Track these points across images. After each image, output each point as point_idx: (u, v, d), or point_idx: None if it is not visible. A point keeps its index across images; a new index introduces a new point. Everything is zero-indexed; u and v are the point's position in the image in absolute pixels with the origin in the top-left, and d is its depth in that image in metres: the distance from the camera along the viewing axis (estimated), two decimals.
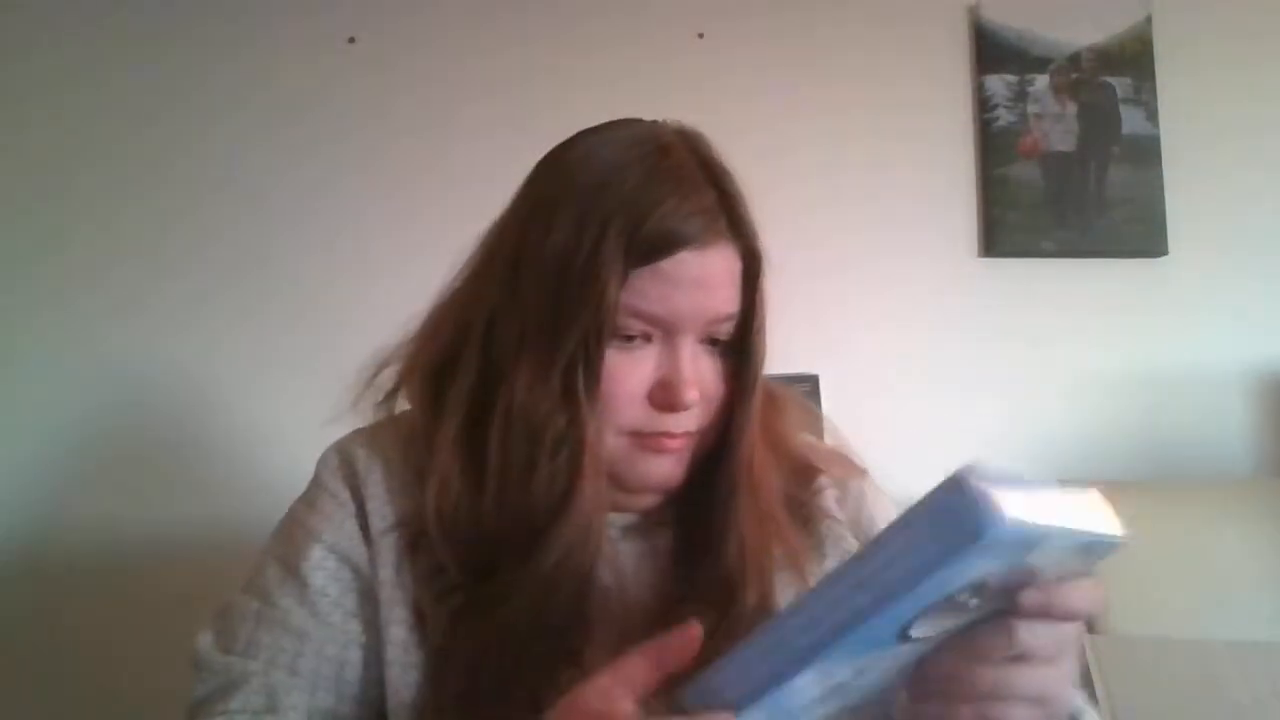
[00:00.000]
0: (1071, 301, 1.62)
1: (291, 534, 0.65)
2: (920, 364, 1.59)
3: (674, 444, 0.60)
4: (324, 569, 0.62)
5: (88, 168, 1.48)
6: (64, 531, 1.41)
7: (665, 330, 0.59)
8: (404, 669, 0.59)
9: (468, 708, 0.56)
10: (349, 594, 0.62)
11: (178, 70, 1.51)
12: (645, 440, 0.60)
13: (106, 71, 1.49)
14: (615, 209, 0.56)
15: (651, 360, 0.59)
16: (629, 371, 0.58)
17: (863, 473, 0.72)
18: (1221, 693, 1.09)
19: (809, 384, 1.35)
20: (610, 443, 0.59)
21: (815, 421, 0.76)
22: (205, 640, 0.62)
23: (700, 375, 0.60)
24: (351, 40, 1.54)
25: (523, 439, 0.58)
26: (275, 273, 1.50)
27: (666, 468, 0.61)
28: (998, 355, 1.60)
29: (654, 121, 0.64)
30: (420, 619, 0.60)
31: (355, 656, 0.61)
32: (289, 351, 1.46)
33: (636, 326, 0.58)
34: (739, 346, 0.62)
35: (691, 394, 0.58)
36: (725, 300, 0.59)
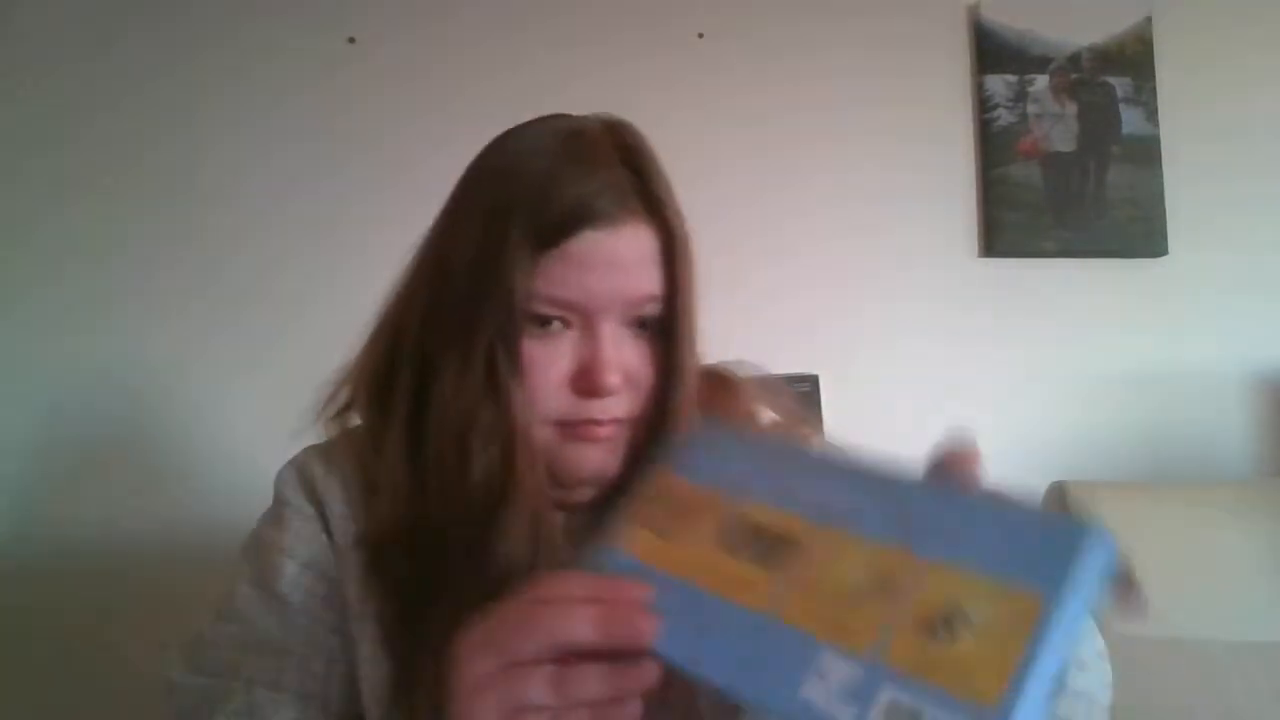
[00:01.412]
0: (1071, 301, 1.62)
1: (263, 554, 0.64)
2: (920, 364, 1.59)
3: (602, 431, 0.58)
4: (301, 586, 0.62)
5: (84, 167, 1.47)
6: (52, 529, 1.40)
7: (582, 315, 0.57)
8: (374, 684, 0.59)
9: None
10: (328, 610, 0.62)
11: (176, 69, 1.51)
12: (572, 429, 0.58)
13: (105, 70, 1.49)
14: (520, 194, 0.56)
15: (571, 346, 0.58)
16: (548, 359, 0.57)
17: (809, 430, 0.71)
18: (1221, 693, 1.09)
19: (809, 384, 1.34)
20: (538, 434, 0.58)
21: (780, 398, 0.73)
22: (177, 671, 0.61)
23: (623, 359, 0.58)
24: (351, 40, 1.54)
25: (454, 432, 0.57)
26: (275, 272, 1.49)
27: (598, 457, 0.59)
28: (997, 355, 1.60)
29: (584, 116, 0.63)
30: (386, 634, 0.59)
31: (337, 671, 0.61)
32: (280, 350, 1.45)
33: (552, 312, 0.57)
34: (665, 328, 0.59)
35: (612, 378, 0.56)
36: (643, 281, 0.58)
